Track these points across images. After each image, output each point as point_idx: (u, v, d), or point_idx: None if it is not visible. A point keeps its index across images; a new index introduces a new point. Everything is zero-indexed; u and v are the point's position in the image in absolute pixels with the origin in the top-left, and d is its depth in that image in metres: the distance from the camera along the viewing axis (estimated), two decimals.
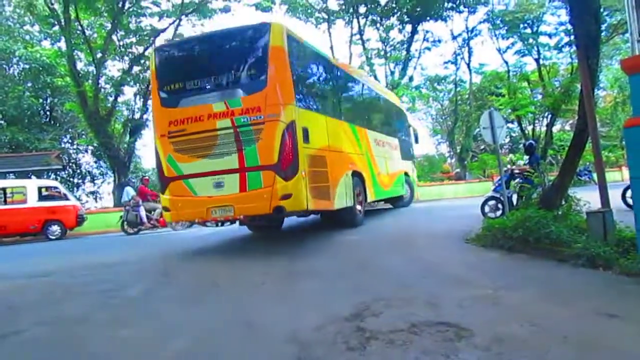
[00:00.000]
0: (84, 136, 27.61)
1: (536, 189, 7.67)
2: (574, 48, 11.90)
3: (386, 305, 3.98)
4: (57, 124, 28.52)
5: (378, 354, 3.05)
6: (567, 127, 33.99)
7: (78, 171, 30.52)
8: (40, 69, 24.91)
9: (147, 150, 31.22)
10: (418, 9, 24.62)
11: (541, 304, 3.89)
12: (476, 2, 26.01)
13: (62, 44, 21.53)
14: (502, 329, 3.30)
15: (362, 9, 25.77)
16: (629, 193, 7.74)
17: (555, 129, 30.28)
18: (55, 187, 15.25)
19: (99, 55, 20.64)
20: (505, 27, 26.52)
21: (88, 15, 21.09)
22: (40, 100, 27.60)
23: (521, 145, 27.44)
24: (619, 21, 21.49)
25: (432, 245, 7.06)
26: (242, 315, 4.12)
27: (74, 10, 19.17)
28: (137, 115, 22.86)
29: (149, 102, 22.92)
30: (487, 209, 9.02)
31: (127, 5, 20.59)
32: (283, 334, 3.48)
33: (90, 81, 21.22)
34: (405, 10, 24.86)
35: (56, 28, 21.29)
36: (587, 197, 6.76)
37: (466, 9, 26.39)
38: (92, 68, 22.04)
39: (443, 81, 32.13)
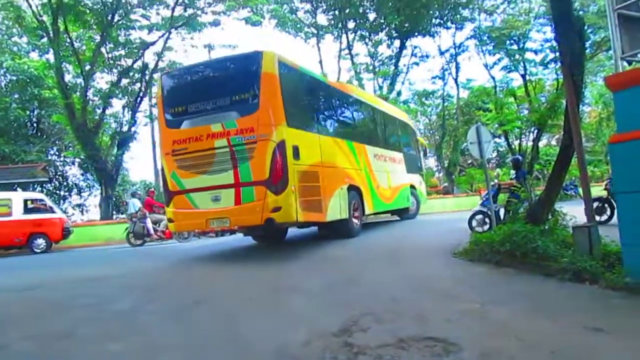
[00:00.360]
0: (71, 148, 27.26)
1: (523, 204, 7.75)
2: (559, 64, 12.11)
3: (374, 319, 3.97)
4: (44, 136, 28.19)
5: None
6: (554, 142, 34.35)
7: (65, 184, 30.09)
8: (28, 80, 24.63)
9: (134, 163, 31.09)
10: (406, 25, 25.02)
11: (528, 319, 3.91)
12: (463, 18, 26.57)
13: (51, 56, 21.33)
14: (489, 344, 3.32)
15: (351, 24, 26.07)
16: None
17: (541, 143, 30.65)
18: (41, 200, 15.02)
19: (87, 67, 20.50)
20: (492, 43, 27.00)
21: (77, 28, 20.99)
22: (28, 112, 27.24)
23: (508, 160, 27.75)
24: (602, 38, 21.98)
25: (421, 259, 7.15)
26: (230, 330, 4.09)
27: (62, 22, 19.08)
28: (125, 128, 22.60)
29: (137, 114, 22.98)
30: (474, 223, 9.08)
31: (116, 18, 20.48)
32: (271, 350, 3.45)
33: (78, 93, 21.08)
34: (393, 26, 25.20)
35: (44, 40, 21.10)
36: (573, 212, 6.86)
37: (453, 25, 26.98)
38: (80, 80, 21.87)
39: (431, 96, 32.45)
